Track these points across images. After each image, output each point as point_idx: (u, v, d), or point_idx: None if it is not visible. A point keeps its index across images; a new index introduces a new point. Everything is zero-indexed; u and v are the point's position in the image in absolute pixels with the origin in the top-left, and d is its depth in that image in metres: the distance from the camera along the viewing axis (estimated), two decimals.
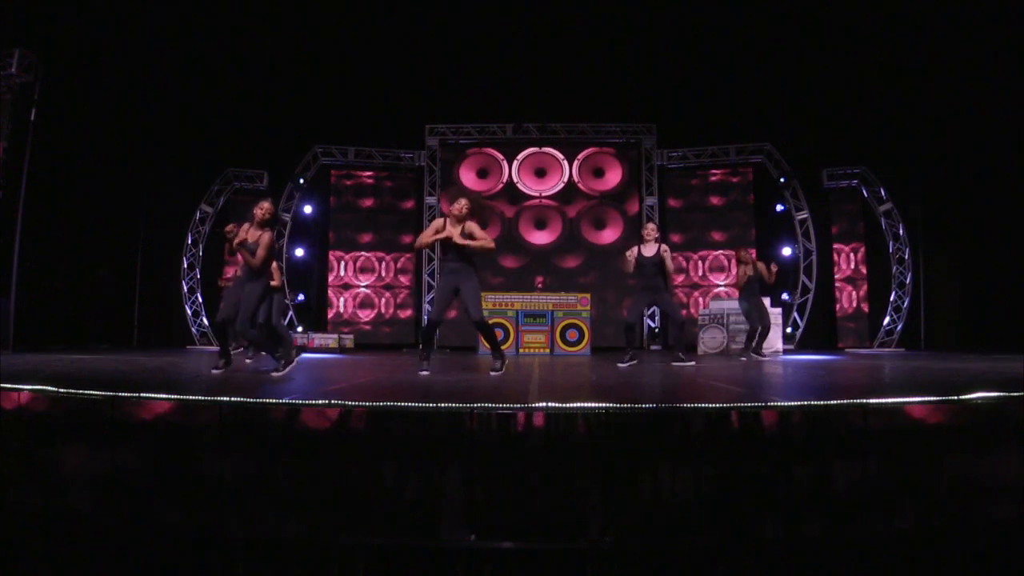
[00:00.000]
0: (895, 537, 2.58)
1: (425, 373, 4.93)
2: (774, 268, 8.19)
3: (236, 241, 4.87)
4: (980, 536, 2.62)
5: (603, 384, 4.31)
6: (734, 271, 13.34)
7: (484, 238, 5.08)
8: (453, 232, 5.05)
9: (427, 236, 5.20)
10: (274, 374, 4.79)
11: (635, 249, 6.57)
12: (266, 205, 5.05)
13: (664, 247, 6.40)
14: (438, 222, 5.18)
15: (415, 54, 11.99)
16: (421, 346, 5.39)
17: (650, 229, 6.58)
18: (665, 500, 2.56)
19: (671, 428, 2.66)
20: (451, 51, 11.94)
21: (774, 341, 10.29)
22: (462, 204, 5.14)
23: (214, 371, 4.97)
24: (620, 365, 6.29)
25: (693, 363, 6.47)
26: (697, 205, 13.71)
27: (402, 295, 13.85)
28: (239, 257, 5.02)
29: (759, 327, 7.95)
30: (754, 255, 8.16)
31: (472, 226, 5.07)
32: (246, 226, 5.02)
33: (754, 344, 7.98)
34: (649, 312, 13.36)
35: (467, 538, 2.54)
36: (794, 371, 5.73)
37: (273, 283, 7.21)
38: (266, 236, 4.95)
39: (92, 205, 11.03)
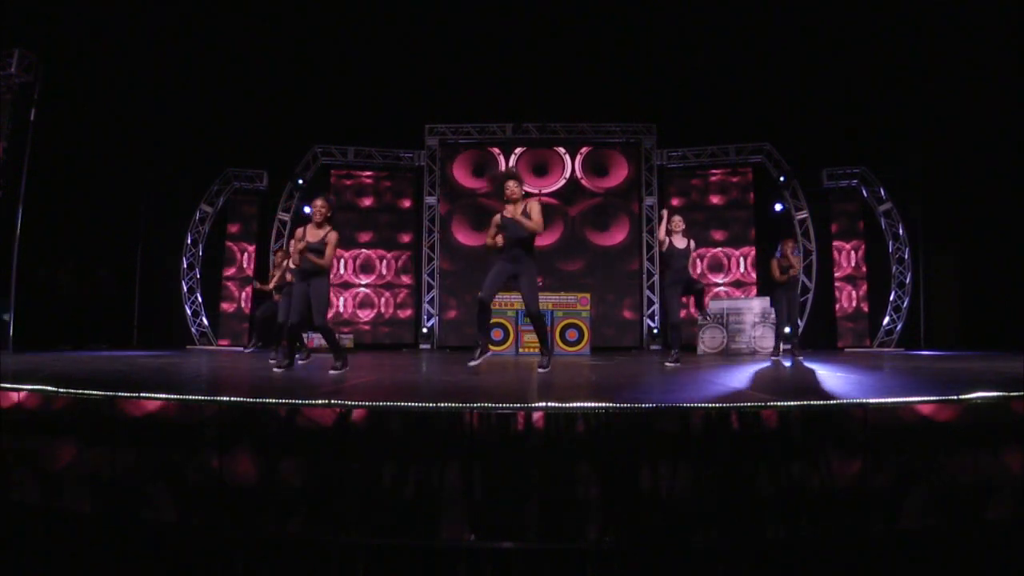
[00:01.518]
0: (895, 537, 2.58)
1: (476, 363, 4.83)
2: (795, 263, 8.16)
3: (300, 247, 5.04)
4: (980, 536, 2.62)
5: (603, 384, 4.31)
6: (734, 270, 13.35)
7: (537, 220, 4.91)
8: (515, 211, 4.91)
9: (490, 232, 5.07)
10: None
11: (667, 240, 6.62)
12: (320, 202, 5.15)
13: (692, 241, 6.64)
14: (497, 216, 5.07)
15: (415, 54, 11.98)
16: (477, 334, 5.09)
17: (677, 221, 6.65)
18: (665, 500, 2.55)
19: (671, 428, 2.66)
20: (451, 51, 11.94)
21: (773, 341, 10.28)
22: (511, 185, 4.95)
23: (300, 362, 5.39)
24: (668, 364, 6.29)
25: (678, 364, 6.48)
26: (697, 205, 13.70)
27: (402, 295, 13.84)
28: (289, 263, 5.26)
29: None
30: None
31: (532, 205, 4.93)
32: (301, 230, 5.18)
33: (788, 342, 8.04)
34: (650, 309, 13.35)
35: (467, 538, 2.54)
36: (794, 371, 5.73)
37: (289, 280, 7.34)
38: (333, 235, 5.12)
39: (92, 205, 11.03)
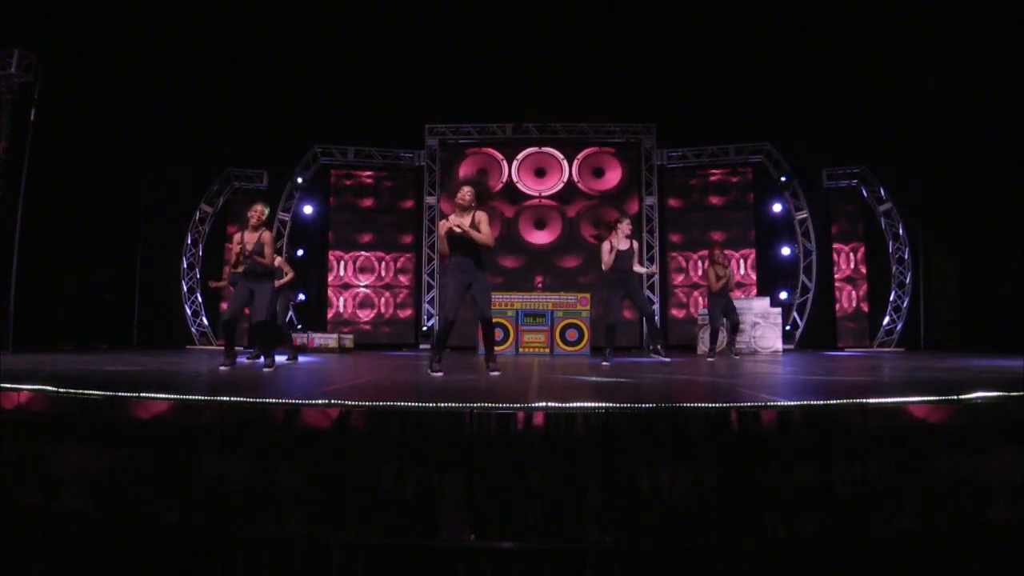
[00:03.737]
0: (895, 537, 2.58)
1: (439, 375, 4.79)
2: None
3: (236, 252, 5.25)
4: (980, 536, 2.62)
5: (603, 384, 4.31)
6: (735, 272, 13.35)
7: (487, 234, 4.90)
8: (462, 222, 4.84)
9: (441, 240, 5.01)
10: (265, 370, 5.13)
11: (606, 244, 6.71)
12: (259, 207, 5.35)
13: (634, 242, 6.72)
14: (445, 222, 4.97)
15: (415, 54, 11.98)
16: (435, 348, 5.10)
17: (625, 226, 6.83)
18: (665, 500, 2.55)
19: (671, 428, 2.66)
20: (451, 51, 11.94)
21: (773, 341, 10.28)
22: (464, 192, 4.90)
23: (222, 368, 5.22)
24: (604, 364, 6.40)
25: (670, 360, 6.55)
26: (697, 205, 13.70)
27: (402, 295, 13.85)
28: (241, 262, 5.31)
29: (720, 326, 8.13)
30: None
31: (481, 217, 4.89)
32: (239, 235, 5.35)
33: (720, 342, 8.11)
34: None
35: (467, 538, 2.54)
36: (794, 371, 5.73)
37: (288, 278, 7.40)
38: (267, 235, 5.25)
39: (92, 205, 11.02)
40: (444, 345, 5.15)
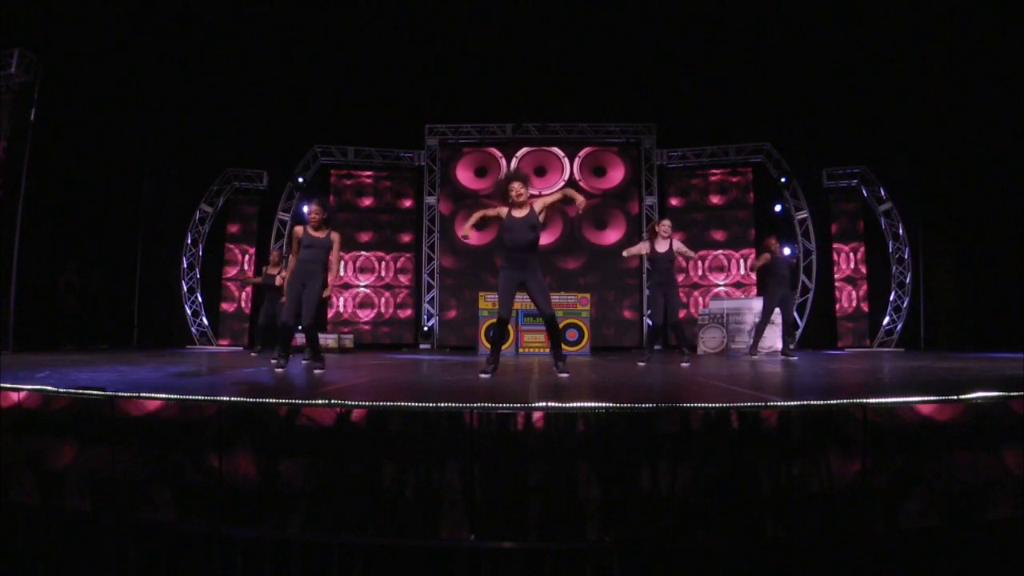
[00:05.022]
0: (895, 537, 2.58)
1: (486, 376, 4.59)
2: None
3: (295, 246, 5.40)
4: (980, 536, 2.62)
5: (603, 384, 4.31)
6: (734, 270, 13.36)
7: (581, 199, 4.73)
8: (518, 216, 4.67)
9: (473, 219, 4.83)
10: (278, 369, 5.15)
11: (645, 245, 6.72)
12: (316, 206, 5.39)
13: (675, 241, 6.68)
14: (501, 209, 4.80)
15: (415, 54, 11.99)
16: (491, 348, 4.87)
17: (665, 226, 6.75)
18: (665, 499, 2.55)
19: (671, 428, 2.66)
20: (451, 51, 11.94)
21: (773, 341, 10.28)
22: (516, 186, 4.68)
23: (278, 369, 5.28)
24: (640, 364, 6.56)
25: (687, 364, 6.56)
26: (697, 205, 13.70)
27: (402, 295, 13.85)
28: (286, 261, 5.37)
29: (768, 323, 8.04)
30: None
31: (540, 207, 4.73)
32: (299, 228, 5.38)
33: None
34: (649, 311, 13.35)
35: (467, 538, 2.54)
36: (794, 371, 5.73)
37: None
38: (336, 235, 5.33)
39: (92, 205, 11.02)
40: (499, 346, 4.88)
